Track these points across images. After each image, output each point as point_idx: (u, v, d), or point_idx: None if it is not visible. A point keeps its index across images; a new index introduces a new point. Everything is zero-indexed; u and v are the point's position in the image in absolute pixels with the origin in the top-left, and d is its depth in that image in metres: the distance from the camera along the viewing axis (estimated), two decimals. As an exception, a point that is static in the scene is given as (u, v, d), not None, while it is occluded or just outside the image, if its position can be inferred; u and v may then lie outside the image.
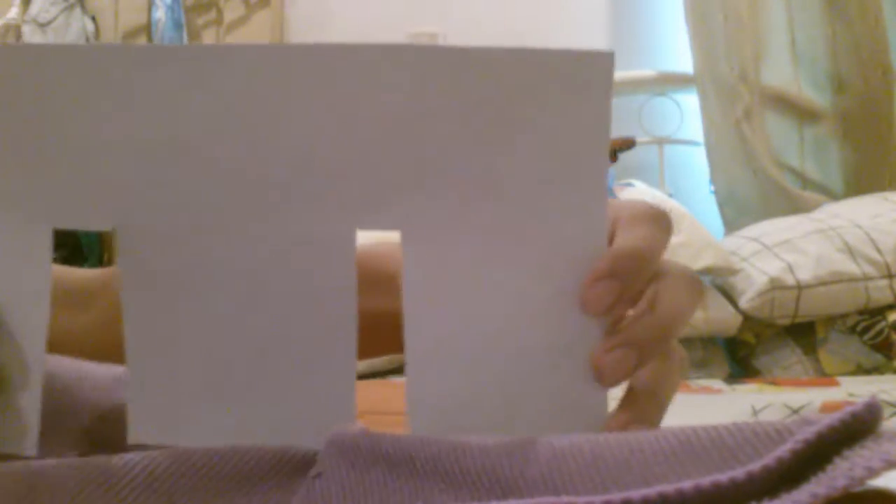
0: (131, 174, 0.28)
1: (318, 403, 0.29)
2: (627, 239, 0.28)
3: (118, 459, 0.26)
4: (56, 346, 0.30)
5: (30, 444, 0.28)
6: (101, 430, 0.33)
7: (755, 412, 0.83)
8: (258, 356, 0.29)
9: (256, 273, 0.29)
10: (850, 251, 1.25)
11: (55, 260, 0.30)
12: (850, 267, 1.23)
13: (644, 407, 0.28)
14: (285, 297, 0.29)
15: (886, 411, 0.80)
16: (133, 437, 0.29)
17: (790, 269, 1.24)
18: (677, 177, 1.79)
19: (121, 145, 0.28)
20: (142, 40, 1.86)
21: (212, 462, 0.27)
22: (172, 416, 0.29)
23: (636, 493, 0.18)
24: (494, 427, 0.27)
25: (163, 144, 0.28)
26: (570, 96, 0.27)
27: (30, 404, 0.28)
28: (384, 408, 0.76)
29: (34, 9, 1.80)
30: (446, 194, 0.28)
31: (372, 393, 0.84)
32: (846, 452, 0.18)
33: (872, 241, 1.26)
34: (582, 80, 0.27)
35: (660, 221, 0.29)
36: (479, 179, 0.28)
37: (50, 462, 0.27)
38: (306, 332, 0.29)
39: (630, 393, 0.29)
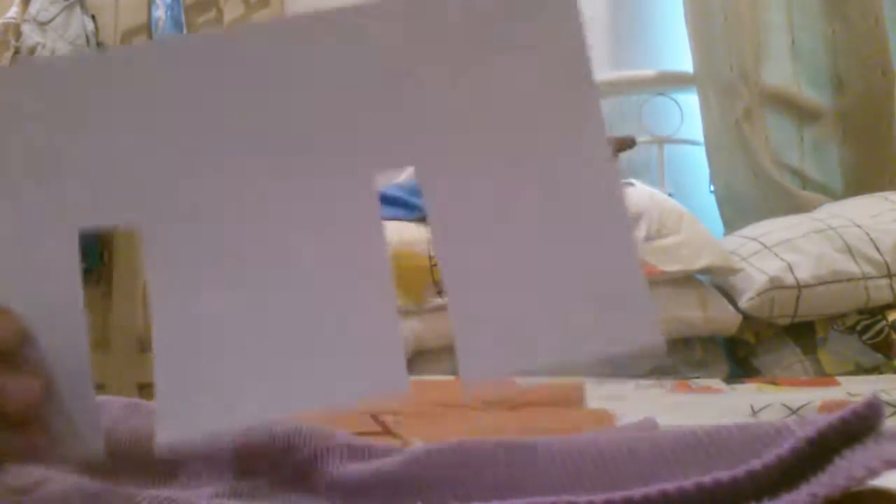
0: (151, 169, 0.29)
1: (362, 353, 0.28)
2: None
3: None
4: None
5: (95, 445, 0.28)
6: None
7: (755, 412, 0.83)
8: (294, 322, 0.29)
9: (284, 240, 0.29)
10: (850, 251, 1.25)
11: None
12: (850, 266, 1.23)
13: None
14: (315, 255, 0.29)
15: (886, 411, 0.80)
16: (162, 434, 0.27)
17: (790, 268, 1.24)
18: (677, 176, 1.78)
19: (137, 143, 0.29)
20: (142, 39, 1.85)
21: None
22: (206, 402, 0.28)
23: (637, 492, 0.18)
24: (542, 343, 0.28)
25: (178, 136, 0.29)
26: (542, 19, 0.29)
27: (85, 407, 0.28)
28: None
29: (34, 8, 1.79)
30: (450, 128, 0.30)
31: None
32: (846, 452, 0.18)
33: (872, 240, 1.25)
34: (552, 3, 0.29)
35: None
36: (477, 111, 0.30)
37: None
38: (341, 283, 0.29)
39: None
